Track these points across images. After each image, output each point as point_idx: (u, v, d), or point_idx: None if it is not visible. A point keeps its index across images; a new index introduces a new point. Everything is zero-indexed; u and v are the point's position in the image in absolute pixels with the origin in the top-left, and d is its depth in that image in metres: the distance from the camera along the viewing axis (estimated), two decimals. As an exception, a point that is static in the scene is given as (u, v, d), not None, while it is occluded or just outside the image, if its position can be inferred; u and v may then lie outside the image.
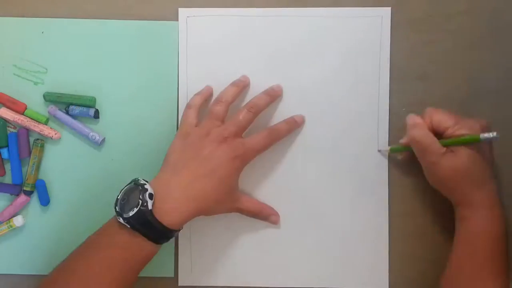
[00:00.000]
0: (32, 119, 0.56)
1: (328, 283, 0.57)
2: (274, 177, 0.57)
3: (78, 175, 0.57)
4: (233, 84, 0.56)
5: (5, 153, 0.56)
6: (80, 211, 0.57)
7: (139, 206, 0.48)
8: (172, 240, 0.57)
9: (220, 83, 0.57)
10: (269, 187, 0.57)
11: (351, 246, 0.57)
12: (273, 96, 0.56)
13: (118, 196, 0.50)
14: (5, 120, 0.56)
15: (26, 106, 0.57)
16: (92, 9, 0.57)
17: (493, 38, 0.57)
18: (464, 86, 0.57)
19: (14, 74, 0.57)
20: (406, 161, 0.56)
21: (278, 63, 0.57)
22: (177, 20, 0.57)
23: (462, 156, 0.50)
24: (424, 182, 0.57)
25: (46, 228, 0.57)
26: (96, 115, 0.57)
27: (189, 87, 0.57)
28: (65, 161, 0.57)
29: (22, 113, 0.56)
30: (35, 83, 0.57)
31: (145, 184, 0.49)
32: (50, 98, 0.56)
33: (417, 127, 0.52)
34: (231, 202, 0.53)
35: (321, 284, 0.57)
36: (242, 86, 0.56)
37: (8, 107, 0.56)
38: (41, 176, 0.57)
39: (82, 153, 0.57)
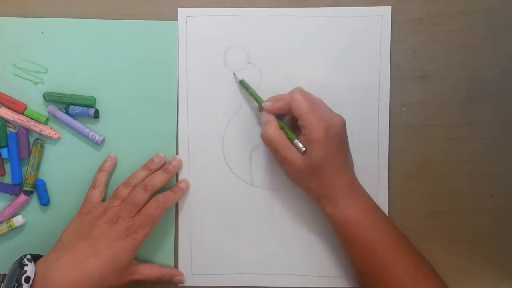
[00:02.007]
0: (32, 119, 0.56)
1: (329, 283, 0.57)
2: (274, 173, 0.57)
3: (78, 175, 0.57)
4: (144, 167, 0.56)
5: (5, 153, 0.56)
6: (80, 211, 0.57)
7: None
8: (172, 240, 0.57)
9: (219, 82, 0.57)
10: (270, 183, 0.58)
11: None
12: (172, 173, 0.56)
13: (5, 273, 0.50)
14: (5, 120, 0.56)
15: (26, 106, 0.57)
16: (92, 9, 0.57)
17: (493, 38, 0.57)
18: (464, 86, 0.57)
19: (14, 74, 0.57)
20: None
21: (278, 63, 0.57)
22: (177, 20, 0.57)
23: (307, 156, 0.51)
24: (424, 183, 0.57)
25: (46, 228, 0.57)
26: (96, 115, 0.57)
27: (189, 87, 0.57)
28: (65, 161, 0.57)
29: (22, 113, 0.56)
30: (35, 83, 0.57)
31: (26, 265, 0.49)
32: (50, 98, 0.56)
33: (267, 125, 0.53)
34: (124, 277, 0.52)
35: (325, 284, 0.57)
36: (150, 169, 0.56)
37: (8, 107, 0.56)
38: (41, 176, 0.57)
39: (82, 153, 0.57)
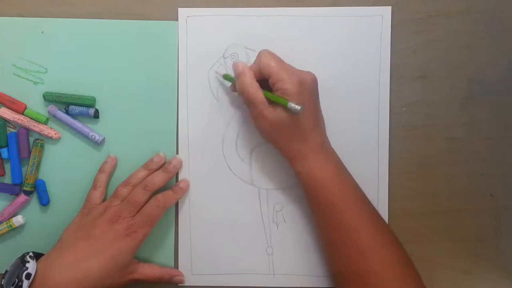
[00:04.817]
0: (32, 119, 0.56)
1: (329, 283, 0.57)
2: (274, 173, 0.57)
3: (78, 175, 0.57)
4: (144, 167, 0.56)
5: (5, 153, 0.56)
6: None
7: (14, 285, 0.48)
8: (172, 240, 0.57)
9: (219, 82, 0.57)
10: (270, 183, 0.58)
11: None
12: (171, 172, 0.56)
13: (6, 269, 0.50)
14: (5, 120, 0.56)
15: (26, 106, 0.57)
16: (92, 9, 0.57)
17: (493, 38, 0.57)
18: (464, 86, 0.57)
19: (14, 74, 0.57)
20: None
21: (278, 63, 0.57)
22: (177, 20, 0.57)
23: (280, 112, 0.50)
24: (424, 183, 0.57)
25: (46, 228, 0.57)
26: (96, 115, 0.57)
27: (189, 87, 0.57)
28: (65, 161, 0.57)
29: (22, 113, 0.56)
30: (35, 83, 0.57)
31: (28, 262, 0.49)
32: (50, 98, 0.56)
33: (242, 75, 0.52)
34: (124, 276, 0.53)
35: (325, 284, 0.57)
36: (149, 169, 0.56)
37: (8, 107, 0.56)
38: (41, 176, 0.57)
39: (82, 153, 0.57)
